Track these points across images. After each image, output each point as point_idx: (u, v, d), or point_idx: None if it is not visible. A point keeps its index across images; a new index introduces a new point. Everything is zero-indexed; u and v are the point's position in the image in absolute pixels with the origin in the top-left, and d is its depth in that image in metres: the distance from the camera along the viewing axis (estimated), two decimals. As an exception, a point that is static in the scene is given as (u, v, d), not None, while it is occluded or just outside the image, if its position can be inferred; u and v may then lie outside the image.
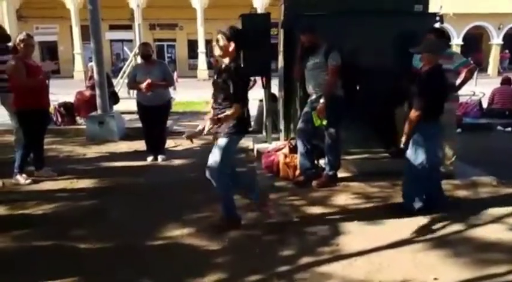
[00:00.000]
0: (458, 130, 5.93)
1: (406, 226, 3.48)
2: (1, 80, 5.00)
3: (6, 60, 4.70)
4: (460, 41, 25.71)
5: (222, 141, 3.29)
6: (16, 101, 4.61)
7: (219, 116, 3.24)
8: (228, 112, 3.22)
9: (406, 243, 3.21)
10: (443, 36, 4.50)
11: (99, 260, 3.02)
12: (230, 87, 3.19)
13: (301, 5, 4.77)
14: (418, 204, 3.68)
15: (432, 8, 5.05)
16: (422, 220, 3.59)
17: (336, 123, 4.26)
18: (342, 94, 4.22)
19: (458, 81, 4.46)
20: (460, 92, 4.64)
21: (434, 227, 3.47)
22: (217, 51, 3.26)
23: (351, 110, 4.25)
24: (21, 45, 4.55)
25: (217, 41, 3.24)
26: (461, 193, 4.28)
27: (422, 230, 3.41)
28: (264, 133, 6.05)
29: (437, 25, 4.86)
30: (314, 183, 4.39)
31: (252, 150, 5.86)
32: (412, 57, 4.34)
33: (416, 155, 3.60)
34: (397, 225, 3.53)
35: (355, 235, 3.36)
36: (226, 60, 3.29)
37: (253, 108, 7.93)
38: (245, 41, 3.48)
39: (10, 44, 5.41)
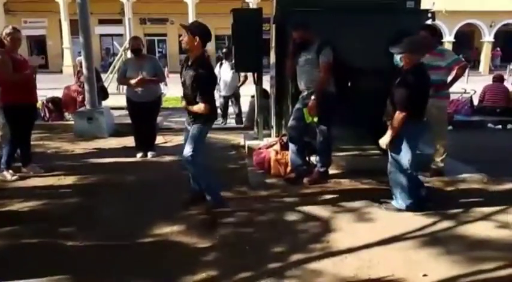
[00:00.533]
0: (450, 127, 5.96)
1: (396, 223, 3.49)
2: (-12, 74, 4.91)
3: (-8, 55, 4.60)
4: (451, 38, 25.89)
5: (194, 129, 3.58)
6: (2, 96, 4.51)
7: (189, 109, 3.54)
8: (196, 108, 3.48)
9: (396, 240, 3.21)
10: (435, 34, 4.51)
11: (88, 258, 2.98)
12: (197, 86, 3.43)
13: (293, 0, 4.73)
14: (407, 202, 3.69)
15: (424, 5, 5.04)
16: (412, 217, 3.60)
17: (328, 120, 4.24)
18: (333, 91, 4.20)
19: (449, 78, 4.47)
20: (451, 89, 4.65)
21: (424, 224, 3.48)
22: (183, 46, 3.46)
23: (343, 107, 4.23)
24: (8, 39, 4.45)
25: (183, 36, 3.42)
26: (452, 190, 4.30)
27: (412, 227, 3.41)
28: (256, 130, 6.02)
29: (429, 22, 4.85)
30: (305, 180, 4.38)
31: (243, 146, 5.83)
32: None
33: (402, 154, 3.61)
34: (388, 222, 3.54)
35: (346, 232, 3.35)
36: (192, 55, 3.47)
37: (245, 104, 7.96)
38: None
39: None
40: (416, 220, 3.55)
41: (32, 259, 2.95)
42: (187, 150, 3.56)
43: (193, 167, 3.64)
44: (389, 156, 3.71)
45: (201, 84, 3.43)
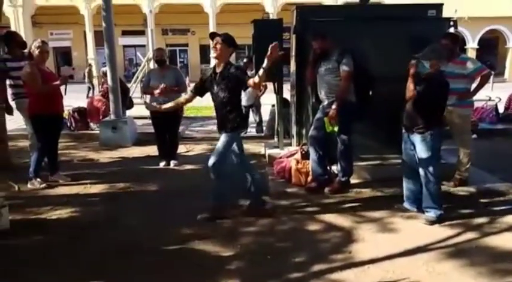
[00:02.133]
0: (474, 136, 5.84)
1: (420, 234, 3.45)
2: (17, 86, 5.10)
3: (22, 67, 4.78)
4: (475, 45, 25.43)
5: (223, 138, 3.69)
6: (31, 107, 4.69)
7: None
8: (251, 82, 3.51)
9: (419, 251, 3.18)
10: (458, 41, 4.46)
11: (113, 264, 3.05)
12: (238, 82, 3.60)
13: (313, 10, 4.77)
14: (437, 213, 3.64)
15: (446, 13, 5.00)
16: (436, 228, 3.56)
17: (349, 129, 4.24)
18: (354, 100, 4.20)
19: (473, 86, 4.41)
20: (475, 97, 4.57)
21: (448, 235, 3.43)
22: (215, 55, 3.67)
23: (364, 116, 4.23)
24: (36, 51, 4.62)
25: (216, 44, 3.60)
26: (476, 200, 4.21)
27: (436, 238, 3.37)
28: (276, 138, 6.04)
29: (451, 30, 4.80)
30: (326, 189, 4.37)
31: (264, 155, 5.86)
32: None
33: (426, 163, 3.58)
34: (411, 233, 3.50)
35: (368, 242, 3.33)
36: (221, 63, 3.67)
37: (265, 113, 8.00)
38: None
39: (26, 50, 5.53)
40: (440, 231, 3.51)
41: (59, 264, 3.04)
42: (213, 159, 3.65)
43: (217, 175, 3.70)
44: (420, 168, 3.67)
45: (243, 76, 3.62)
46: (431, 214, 3.66)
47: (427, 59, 3.55)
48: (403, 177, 3.91)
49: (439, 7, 4.90)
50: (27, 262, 3.07)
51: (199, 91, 3.88)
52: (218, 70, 3.67)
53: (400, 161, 4.10)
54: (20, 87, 5.02)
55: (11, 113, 5.47)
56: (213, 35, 3.67)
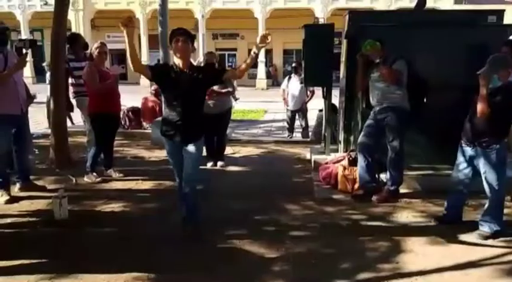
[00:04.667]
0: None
1: (474, 248, 3.31)
2: (79, 84, 5.42)
3: (83, 67, 5.07)
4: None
5: None
6: (91, 106, 4.96)
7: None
8: None
9: (471, 266, 3.05)
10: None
11: (162, 257, 3.16)
12: None
13: (366, 15, 4.72)
14: (497, 227, 3.47)
15: (508, 19, 4.78)
16: (490, 243, 3.39)
17: (401, 136, 4.14)
18: (408, 107, 4.11)
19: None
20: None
21: (503, 252, 3.27)
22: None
23: (417, 124, 4.12)
24: (96, 52, 4.89)
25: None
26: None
27: (490, 253, 3.22)
28: (322, 144, 6.01)
29: (512, 37, 4.58)
30: (374, 197, 4.29)
31: (309, 160, 5.84)
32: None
33: (491, 177, 3.42)
34: (462, 246, 3.37)
35: (417, 254, 3.24)
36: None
37: (311, 118, 7.97)
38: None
39: (88, 51, 5.86)
40: (494, 246, 3.34)
41: (115, 256, 3.19)
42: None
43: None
44: (485, 182, 3.51)
45: None
46: (486, 229, 3.49)
47: (495, 72, 3.38)
48: (450, 189, 3.76)
49: (500, 13, 4.70)
50: (87, 252, 3.26)
51: None
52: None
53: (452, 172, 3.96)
54: (81, 86, 5.33)
55: (71, 110, 5.80)
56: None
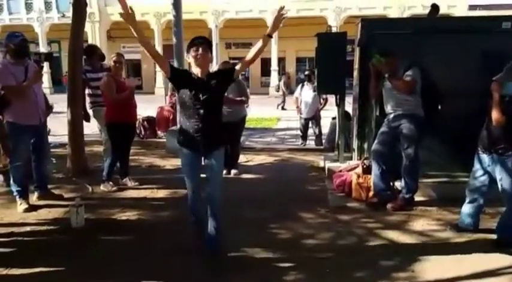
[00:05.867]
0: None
1: (491, 257, 3.25)
2: (95, 95, 5.53)
3: (101, 78, 5.18)
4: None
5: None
6: (108, 116, 5.04)
7: None
8: None
9: (489, 275, 3.00)
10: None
11: (176, 265, 3.18)
12: None
13: (378, 23, 4.72)
14: (511, 236, 3.41)
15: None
16: (510, 252, 3.32)
17: (415, 143, 4.11)
18: (422, 114, 4.09)
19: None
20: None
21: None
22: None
23: (432, 131, 4.09)
24: (113, 63, 4.99)
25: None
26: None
27: (510, 263, 3.16)
28: (336, 152, 5.99)
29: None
30: (389, 205, 4.26)
31: (323, 168, 5.83)
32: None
33: (511, 185, 3.34)
34: (480, 255, 3.31)
35: (433, 263, 3.20)
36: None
37: (325, 126, 7.96)
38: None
39: (105, 62, 5.99)
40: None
41: (131, 263, 3.23)
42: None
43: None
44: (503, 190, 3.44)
45: None
46: (503, 237, 3.43)
47: (511, 79, 3.34)
48: (467, 197, 3.71)
49: (514, 19, 4.65)
50: (103, 260, 3.30)
51: None
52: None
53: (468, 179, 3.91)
54: (98, 97, 5.44)
55: (88, 120, 5.92)
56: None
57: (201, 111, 3.11)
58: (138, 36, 3.08)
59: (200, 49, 3.10)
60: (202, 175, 3.33)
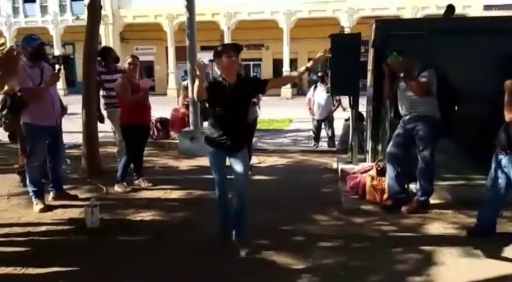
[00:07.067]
0: None
1: (508, 262, 3.20)
2: (110, 96, 5.58)
3: (115, 79, 5.23)
4: None
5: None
6: (122, 117, 5.08)
7: None
8: None
9: (506, 280, 2.95)
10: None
11: (189, 266, 3.20)
12: None
13: (393, 24, 4.68)
14: None
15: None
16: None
17: (431, 145, 4.06)
18: (438, 115, 4.04)
19: None
20: None
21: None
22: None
23: (448, 133, 4.03)
24: (128, 65, 5.03)
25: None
26: None
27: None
28: (349, 153, 5.95)
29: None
30: (404, 208, 4.21)
31: (336, 170, 5.79)
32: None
33: None
34: (496, 260, 3.26)
35: (449, 267, 3.15)
36: None
37: (338, 128, 7.92)
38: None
39: (119, 64, 6.04)
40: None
41: (144, 263, 3.25)
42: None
43: None
44: None
45: None
46: None
47: None
48: (484, 200, 3.65)
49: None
50: (118, 260, 3.33)
51: None
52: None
53: (485, 182, 3.85)
54: (112, 98, 5.49)
55: (102, 121, 5.97)
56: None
57: (230, 112, 3.36)
58: (199, 83, 3.20)
59: (233, 56, 3.32)
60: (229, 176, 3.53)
